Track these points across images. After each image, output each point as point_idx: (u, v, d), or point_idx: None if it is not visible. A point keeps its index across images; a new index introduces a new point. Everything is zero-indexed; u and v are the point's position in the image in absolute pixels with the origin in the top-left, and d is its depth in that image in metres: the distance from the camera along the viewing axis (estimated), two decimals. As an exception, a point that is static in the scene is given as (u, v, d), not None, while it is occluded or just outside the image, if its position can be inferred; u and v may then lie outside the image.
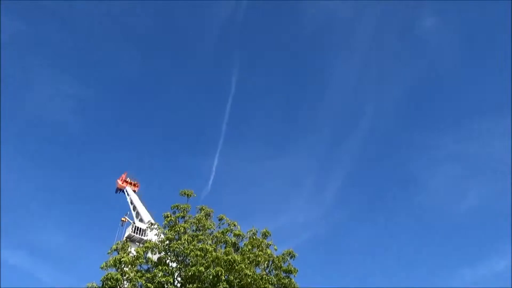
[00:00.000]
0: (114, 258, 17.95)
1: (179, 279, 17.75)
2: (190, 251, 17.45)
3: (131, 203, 42.22)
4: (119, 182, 46.40)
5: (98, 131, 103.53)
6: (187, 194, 20.26)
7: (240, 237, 19.11)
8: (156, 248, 18.70)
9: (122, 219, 36.91)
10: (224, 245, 18.70)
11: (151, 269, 18.06)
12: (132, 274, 17.40)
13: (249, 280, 16.78)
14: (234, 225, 19.32)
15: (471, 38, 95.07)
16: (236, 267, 16.85)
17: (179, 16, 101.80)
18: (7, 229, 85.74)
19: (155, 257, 18.83)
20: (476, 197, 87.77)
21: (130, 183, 46.07)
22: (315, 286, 17.81)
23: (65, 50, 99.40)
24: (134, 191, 45.05)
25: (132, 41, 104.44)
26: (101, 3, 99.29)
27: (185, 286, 17.13)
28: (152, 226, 20.86)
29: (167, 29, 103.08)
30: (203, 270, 16.65)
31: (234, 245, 18.76)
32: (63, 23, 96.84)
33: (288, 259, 18.16)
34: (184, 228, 18.77)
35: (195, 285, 16.54)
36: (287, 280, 17.51)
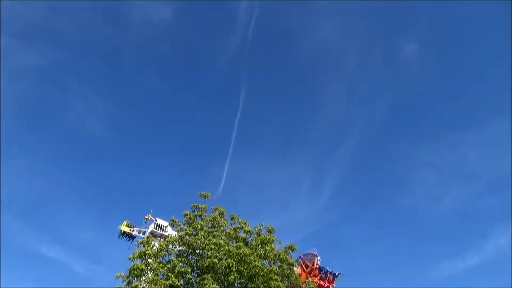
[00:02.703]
0: (139, 251, 19.63)
1: (195, 269, 19.65)
2: (205, 245, 19.11)
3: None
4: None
5: (125, 140, 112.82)
6: (205, 196, 21.96)
7: (250, 234, 20.99)
8: (176, 242, 20.46)
9: (146, 217, 38.54)
10: (236, 240, 20.46)
11: (171, 261, 19.66)
12: (155, 265, 19.02)
13: (257, 271, 18.62)
14: (245, 223, 21.10)
15: (447, 62, 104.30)
16: (246, 260, 18.65)
17: (195, 43, 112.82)
18: (46, 227, 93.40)
19: (175, 250, 20.55)
20: (452, 200, 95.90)
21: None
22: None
23: (98, 73, 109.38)
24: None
25: (155, 65, 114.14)
26: (127, 32, 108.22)
27: (201, 276, 18.87)
28: (173, 223, 22.30)
29: (184, 54, 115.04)
30: (217, 262, 18.36)
31: (244, 240, 20.56)
32: (95, 51, 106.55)
33: (290, 251, 20.00)
34: (201, 225, 20.46)
35: (209, 274, 18.17)
36: (289, 271, 19.37)
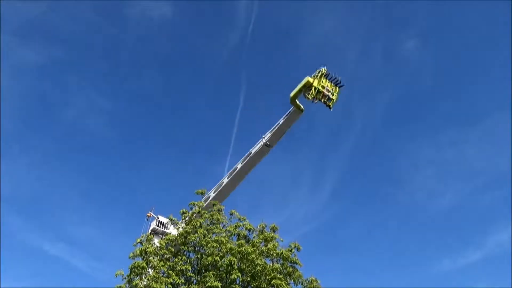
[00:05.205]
0: (140, 249, 19.67)
1: (196, 267, 19.52)
2: (207, 243, 18.96)
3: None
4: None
5: (125, 137, 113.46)
6: (202, 193, 22.13)
7: (251, 231, 20.81)
8: (176, 240, 20.31)
9: (148, 214, 38.70)
10: (236, 237, 20.28)
11: (171, 259, 19.60)
12: (156, 263, 18.92)
13: (260, 269, 18.30)
14: (244, 219, 20.96)
15: (447, 58, 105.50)
16: (249, 258, 18.41)
17: (195, 40, 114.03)
18: (49, 224, 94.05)
19: (175, 248, 20.39)
20: (452, 196, 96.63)
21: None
22: (311, 273, 19.37)
23: (97, 71, 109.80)
24: None
25: (154, 63, 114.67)
26: (126, 29, 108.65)
27: (202, 273, 18.76)
28: (172, 222, 22.49)
29: (184, 51, 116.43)
30: (219, 259, 18.24)
31: (245, 237, 20.34)
32: (94, 48, 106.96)
33: (294, 251, 19.81)
34: (200, 222, 20.37)
35: (211, 272, 18.02)
36: (291, 269, 19.16)
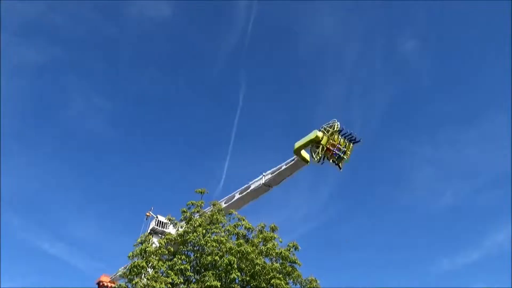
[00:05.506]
0: (140, 248, 19.73)
1: (195, 266, 19.54)
2: (206, 242, 19.00)
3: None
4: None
5: (125, 137, 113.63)
6: (201, 192, 21.98)
7: (250, 230, 20.87)
8: (175, 239, 20.39)
9: (147, 214, 38.58)
10: (235, 236, 20.33)
11: (170, 258, 19.65)
12: (155, 262, 18.97)
13: (259, 268, 18.39)
14: (243, 219, 21.00)
15: (446, 58, 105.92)
16: (248, 257, 18.45)
17: (194, 40, 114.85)
18: (48, 224, 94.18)
19: (174, 248, 20.49)
20: (451, 196, 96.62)
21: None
22: (310, 272, 19.43)
23: (97, 70, 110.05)
24: None
25: (153, 63, 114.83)
26: (126, 28, 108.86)
27: (201, 273, 18.80)
28: (171, 221, 22.56)
29: (183, 51, 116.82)
30: (218, 259, 18.27)
31: (244, 237, 20.38)
32: (94, 48, 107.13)
33: (293, 250, 19.88)
34: (199, 222, 20.36)
35: (210, 272, 18.07)
36: (290, 269, 19.21)
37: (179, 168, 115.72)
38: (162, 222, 32.47)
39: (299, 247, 19.95)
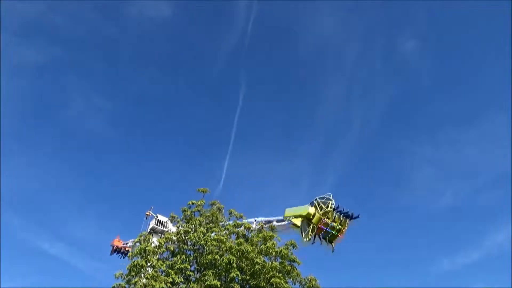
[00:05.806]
0: (139, 248, 19.67)
1: (195, 265, 19.55)
2: (206, 241, 19.04)
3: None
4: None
5: (125, 137, 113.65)
6: (203, 191, 22.00)
7: (250, 230, 20.86)
8: (175, 238, 20.31)
9: (147, 213, 38.55)
10: (235, 235, 20.30)
11: (169, 258, 19.70)
12: (155, 262, 18.94)
13: (259, 267, 18.36)
14: (241, 216, 21.02)
15: (446, 58, 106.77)
16: (248, 256, 18.46)
17: (194, 40, 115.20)
18: (48, 224, 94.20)
19: (174, 247, 20.47)
20: (451, 196, 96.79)
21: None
22: (310, 272, 19.42)
23: (97, 70, 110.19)
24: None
25: (153, 62, 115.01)
26: (126, 28, 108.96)
27: (201, 272, 18.81)
28: (173, 219, 22.47)
29: (183, 51, 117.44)
30: (218, 258, 18.29)
31: (244, 236, 20.33)
32: (94, 48, 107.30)
33: (291, 249, 19.87)
34: (200, 221, 20.41)
35: (210, 271, 18.09)
36: (290, 268, 19.19)
37: (179, 168, 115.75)
38: (162, 221, 32.45)
39: (297, 246, 19.95)
